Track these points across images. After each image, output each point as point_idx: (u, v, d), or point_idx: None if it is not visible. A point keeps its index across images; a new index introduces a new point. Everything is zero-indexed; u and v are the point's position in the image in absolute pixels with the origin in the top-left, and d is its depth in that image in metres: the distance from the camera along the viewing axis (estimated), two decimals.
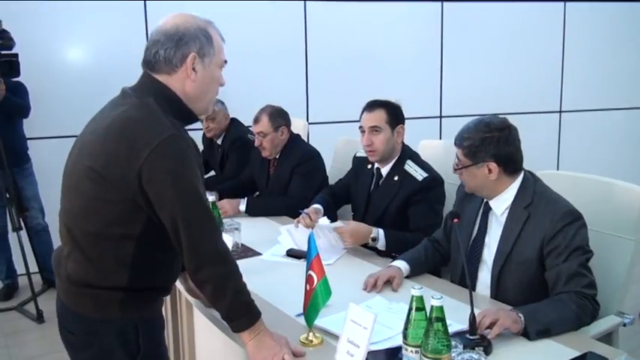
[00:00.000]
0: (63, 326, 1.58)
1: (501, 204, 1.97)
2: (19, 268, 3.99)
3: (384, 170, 2.67)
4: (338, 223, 2.43)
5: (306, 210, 2.64)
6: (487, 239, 2.02)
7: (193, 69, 1.52)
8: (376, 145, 2.59)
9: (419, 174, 2.56)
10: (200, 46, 1.52)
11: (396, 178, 2.62)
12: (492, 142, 1.89)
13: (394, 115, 2.61)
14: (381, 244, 2.42)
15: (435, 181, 2.57)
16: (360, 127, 2.64)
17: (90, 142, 1.49)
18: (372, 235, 2.41)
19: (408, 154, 2.66)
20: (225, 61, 1.62)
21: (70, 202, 1.52)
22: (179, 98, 1.53)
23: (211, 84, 1.59)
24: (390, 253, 2.40)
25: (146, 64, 1.54)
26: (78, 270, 1.50)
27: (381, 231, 2.43)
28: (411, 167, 2.59)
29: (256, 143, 3.21)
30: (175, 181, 1.40)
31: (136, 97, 1.50)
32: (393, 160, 2.65)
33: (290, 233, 2.51)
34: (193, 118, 1.60)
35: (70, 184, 1.53)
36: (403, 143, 2.68)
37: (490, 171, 1.91)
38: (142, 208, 1.43)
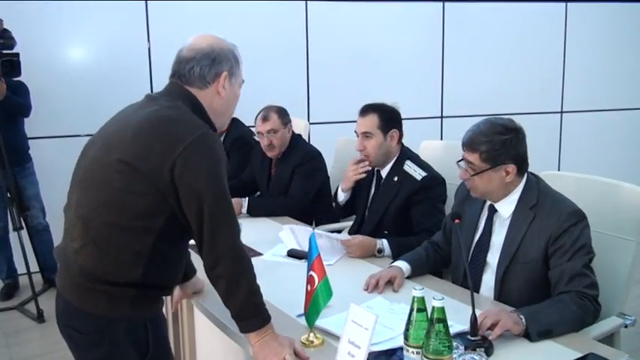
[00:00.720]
0: (68, 325, 1.58)
1: (508, 206, 1.97)
2: (20, 268, 3.98)
3: (384, 172, 2.68)
4: (344, 236, 2.43)
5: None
6: (491, 242, 2.01)
7: (224, 87, 1.63)
8: (368, 150, 2.61)
9: (418, 173, 2.56)
10: (231, 65, 1.64)
11: (395, 178, 2.62)
12: (512, 143, 1.89)
13: (387, 119, 2.60)
14: (387, 254, 2.42)
15: (434, 179, 2.58)
16: (355, 131, 2.65)
17: (117, 137, 1.54)
18: (377, 248, 2.41)
19: (407, 154, 2.66)
20: (243, 81, 1.72)
21: (89, 195, 1.54)
22: (204, 109, 1.62)
23: (234, 101, 1.71)
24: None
25: (178, 77, 1.62)
26: (90, 263, 1.51)
27: (385, 241, 2.43)
28: (410, 167, 2.60)
29: (265, 142, 3.18)
30: (207, 176, 1.47)
31: (166, 100, 1.59)
32: (392, 162, 2.66)
33: (293, 232, 2.51)
34: (213, 129, 1.65)
35: (88, 177, 1.55)
36: (402, 144, 2.68)
37: (507, 173, 1.90)
38: (168, 201, 1.48)
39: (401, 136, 2.65)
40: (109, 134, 1.58)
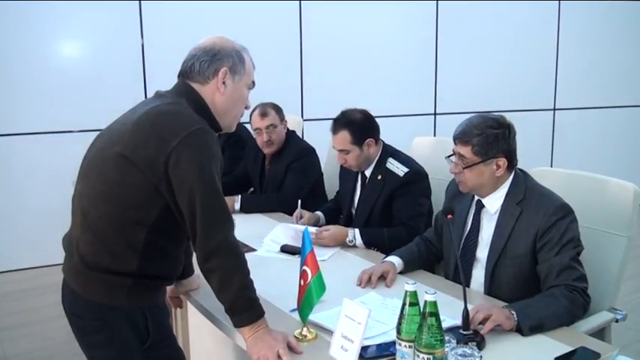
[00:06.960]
0: (73, 313, 1.63)
1: (495, 202, 1.98)
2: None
3: (367, 172, 2.70)
4: (317, 229, 2.48)
5: (302, 217, 2.77)
6: (480, 237, 2.02)
7: (224, 83, 1.65)
8: (350, 162, 2.64)
9: (400, 170, 2.58)
10: (233, 63, 1.66)
11: (379, 177, 2.64)
12: (504, 137, 1.90)
13: (358, 133, 2.59)
14: (359, 244, 2.47)
15: (417, 174, 2.59)
16: (333, 146, 2.69)
17: (120, 131, 1.58)
18: (348, 239, 2.46)
19: (388, 152, 2.67)
20: (254, 83, 1.74)
21: (90, 185, 1.59)
22: (207, 106, 1.65)
23: (238, 101, 1.71)
24: (371, 248, 2.47)
25: (182, 74, 1.68)
26: (88, 251, 1.56)
27: (357, 231, 2.47)
28: (392, 164, 2.61)
29: (264, 138, 3.17)
30: (199, 170, 1.49)
31: (170, 97, 1.64)
32: (374, 162, 2.67)
33: (285, 229, 2.51)
34: (217, 128, 1.68)
35: (91, 168, 1.61)
36: (383, 142, 2.69)
37: (498, 167, 1.92)
38: (162, 194, 1.51)
39: (377, 139, 2.65)
40: (114, 128, 1.63)
